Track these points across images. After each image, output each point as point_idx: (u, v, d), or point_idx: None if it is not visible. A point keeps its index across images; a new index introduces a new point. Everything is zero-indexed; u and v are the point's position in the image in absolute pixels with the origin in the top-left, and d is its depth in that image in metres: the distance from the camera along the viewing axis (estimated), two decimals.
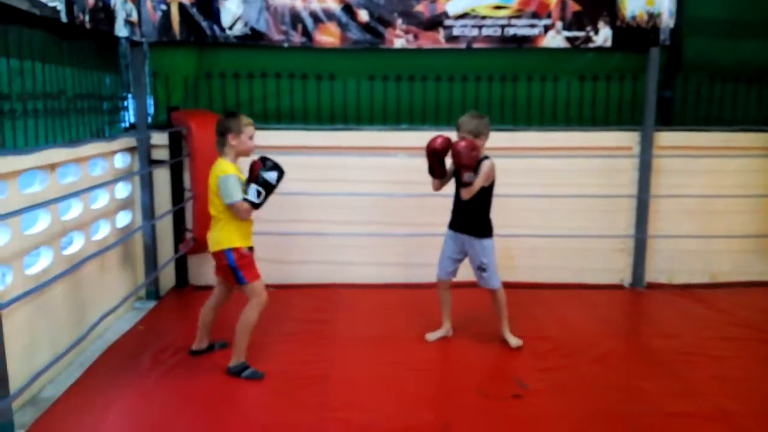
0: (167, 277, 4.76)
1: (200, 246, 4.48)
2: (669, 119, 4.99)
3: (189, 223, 4.59)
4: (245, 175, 3.24)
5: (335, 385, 3.25)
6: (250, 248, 3.32)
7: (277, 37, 4.65)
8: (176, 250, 4.59)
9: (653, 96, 4.76)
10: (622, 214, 4.96)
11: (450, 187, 3.73)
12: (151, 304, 4.47)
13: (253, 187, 3.15)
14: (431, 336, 3.85)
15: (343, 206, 4.80)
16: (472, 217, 3.65)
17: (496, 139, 4.48)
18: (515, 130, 4.82)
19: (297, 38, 4.67)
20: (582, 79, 4.94)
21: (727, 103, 5.02)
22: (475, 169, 3.48)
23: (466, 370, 3.49)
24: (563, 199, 4.81)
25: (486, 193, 3.60)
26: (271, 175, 3.18)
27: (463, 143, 3.42)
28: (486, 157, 3.56)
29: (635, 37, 4.75)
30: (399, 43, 4.72)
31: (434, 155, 3.53)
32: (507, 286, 3.97)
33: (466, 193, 3.51)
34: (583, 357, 3.62)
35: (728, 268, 5.05)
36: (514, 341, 3.74)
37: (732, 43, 4.90)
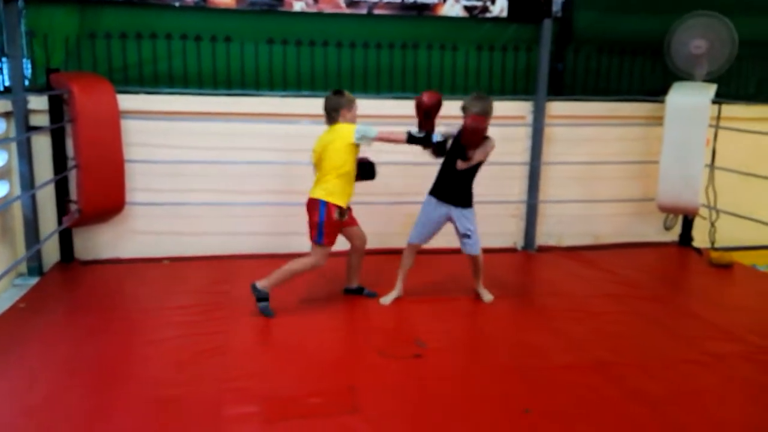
0: (51, 252, 4.46)
1: (86, 218, 4.23)
2: (560, 89, 5.22)
3: (73, 194, 4.30)
4: None
5: (235, 355, 3.20)
6: (341, 209, 3.61)
7: None
8: (60, 222, 4.31)
9: (546, 66, 4.94)
10: (516, 181, 5.17)
11: (425, 158, 3.75)
12: (34, 280, 4.18)
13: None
14: (386, 299, 3.91)
15: (241, 175, 4.67)
16: (461, 189, 3.80)
17: (397, 107, 4.52)
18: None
19: None
20: (479, 49, 5.05)
21: (614, 75, 5.31)
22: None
23: (367, 334, 3.55)
24: None
25: (477, 168, 3.77)
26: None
27: (475, 123, 3.55)
28: (486, 137, 3.70)
29: (529, 8, 4.89)
30: (298, 6, 4.61)
31: (421, 110, 3.61)
32: None
33: (463, 164, 3.68)
34: (479, 316, 3.78)
35: (610, 230, 5.41)
36: (487, 296, 4.00)
37: (620, 17, 5.18)
